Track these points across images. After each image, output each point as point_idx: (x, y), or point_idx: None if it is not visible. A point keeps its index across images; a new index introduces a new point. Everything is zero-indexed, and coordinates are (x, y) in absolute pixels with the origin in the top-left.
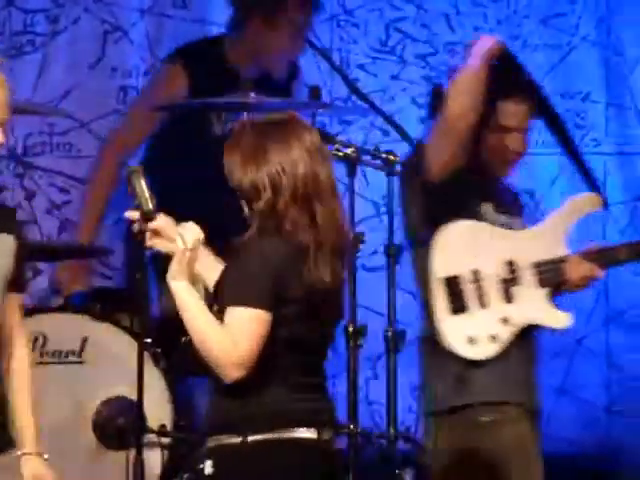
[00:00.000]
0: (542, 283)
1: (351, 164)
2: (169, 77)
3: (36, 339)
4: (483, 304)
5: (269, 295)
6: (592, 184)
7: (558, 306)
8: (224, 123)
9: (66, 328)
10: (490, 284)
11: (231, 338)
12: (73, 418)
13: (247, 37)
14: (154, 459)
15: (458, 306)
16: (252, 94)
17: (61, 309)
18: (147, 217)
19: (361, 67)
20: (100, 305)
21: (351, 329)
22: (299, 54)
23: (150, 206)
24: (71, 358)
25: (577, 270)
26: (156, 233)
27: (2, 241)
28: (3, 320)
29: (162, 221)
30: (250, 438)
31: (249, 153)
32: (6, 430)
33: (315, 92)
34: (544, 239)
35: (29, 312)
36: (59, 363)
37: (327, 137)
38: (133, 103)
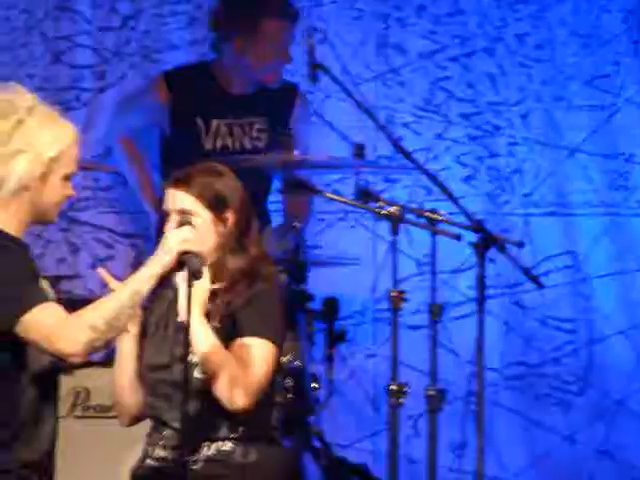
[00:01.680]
0: None
1: (395, 222)
2: (153, 85)
3: (78, 393)
4: None
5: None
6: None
7: None
8: None
9: (109, 382)
10: None
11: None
12: (114, 473)
13: (231, 58)
14: None
15: None
16: (296, 151)
17: (103, 364)
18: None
19: (406, 125)
20: None
21: (393, 387)
22: (286, 63)
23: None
24: (114, 412)
25: None
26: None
27: (47, 285)
28: None
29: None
30: None
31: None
32: None
33: (359, 150)
34: None
35: (73, 367)
36: (101, 417)
37: (371, 195)
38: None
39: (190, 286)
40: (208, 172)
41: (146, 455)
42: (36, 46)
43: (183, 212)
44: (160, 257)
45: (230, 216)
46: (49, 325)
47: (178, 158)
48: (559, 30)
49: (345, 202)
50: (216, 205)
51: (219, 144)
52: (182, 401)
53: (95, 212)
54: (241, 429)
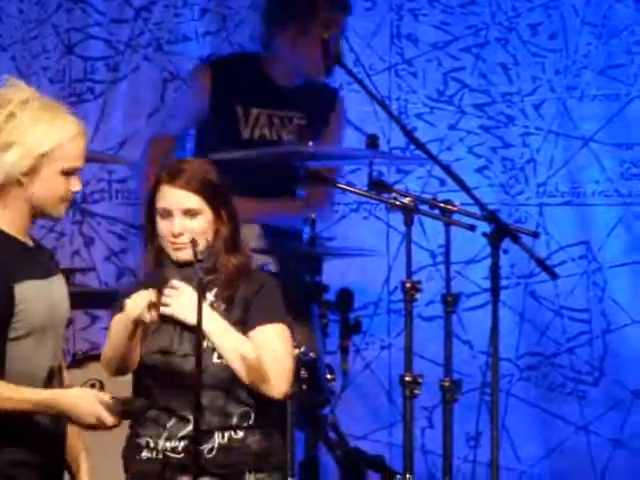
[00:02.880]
0: None
1: (408, 213)
2: (199, 72)
3: (92, 386)
4: None
5: None
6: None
7: None
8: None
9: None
10: None
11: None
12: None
13: (283, 50)
14: None
15: None
16: (310, 143)
17: None
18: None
19: (419, 116)
20: None
21: (407, 378)
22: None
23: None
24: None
25: None
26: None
27: (61, 282)
28: (61, 361)
29: None
30: None
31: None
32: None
33: (373, 141)
34: None
35: (86, 359)
36: None
37: (385, 186)
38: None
39: (202, 285)
40: (204, 168)
41: (144, 447)
42: (49, 38)
43: (189, 212)
44: None
45: (224, 214)
46: None
47: (214, 145)
48: (572, 20)
49: (359, 193)
50: (216, 203)
51: (257, 133)
52: (196, 390)
53: (109, 204)
54: (252, 417)
